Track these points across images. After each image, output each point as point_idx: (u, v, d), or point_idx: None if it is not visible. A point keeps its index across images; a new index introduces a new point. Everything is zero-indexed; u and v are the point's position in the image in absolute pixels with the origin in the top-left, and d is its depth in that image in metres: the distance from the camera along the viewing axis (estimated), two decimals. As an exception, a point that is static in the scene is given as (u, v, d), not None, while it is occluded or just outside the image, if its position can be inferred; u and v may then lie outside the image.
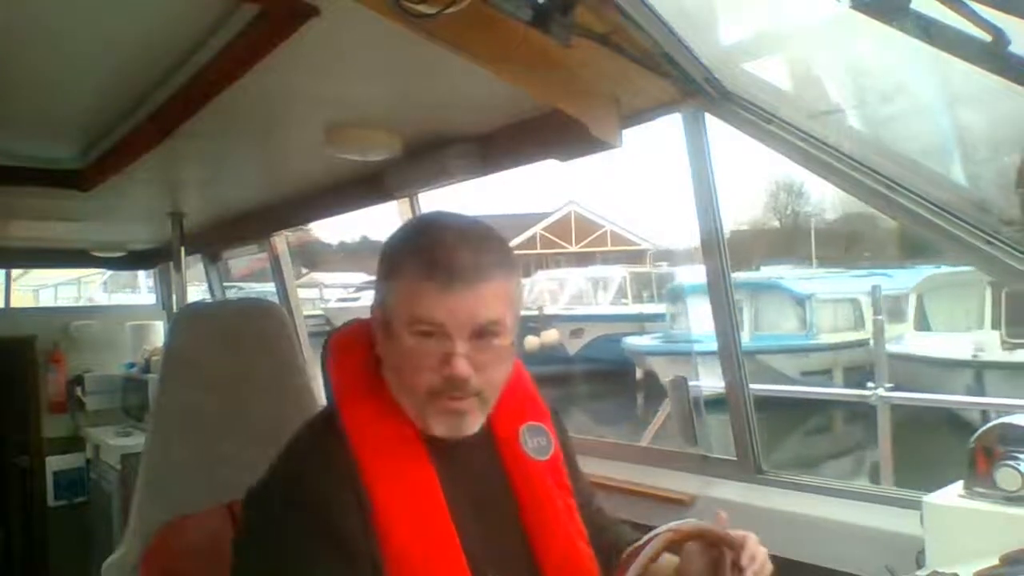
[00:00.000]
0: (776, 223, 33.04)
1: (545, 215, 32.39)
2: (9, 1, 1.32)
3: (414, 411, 1.06)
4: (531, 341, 17.44)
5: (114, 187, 2.53)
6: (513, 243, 3.24)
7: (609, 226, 32.57)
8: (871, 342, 12.82)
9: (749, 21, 1.64)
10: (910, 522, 1.47)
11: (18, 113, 1.99)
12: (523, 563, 1.10)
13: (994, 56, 1.08)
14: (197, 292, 4.92)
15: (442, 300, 1.00)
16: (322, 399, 1.19)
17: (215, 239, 4.00)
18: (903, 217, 1.56)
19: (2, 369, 4.31)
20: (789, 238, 29.64)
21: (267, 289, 4.67)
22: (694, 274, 13.62)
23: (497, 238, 1.09)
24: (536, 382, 1.27)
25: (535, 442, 1.18)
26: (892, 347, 9.13)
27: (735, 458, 2.04)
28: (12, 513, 4.35)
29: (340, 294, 23.53)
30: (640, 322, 18.33)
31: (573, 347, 19.06)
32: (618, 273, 22.20)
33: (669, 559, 1.08)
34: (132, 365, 4.32)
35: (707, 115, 1.80)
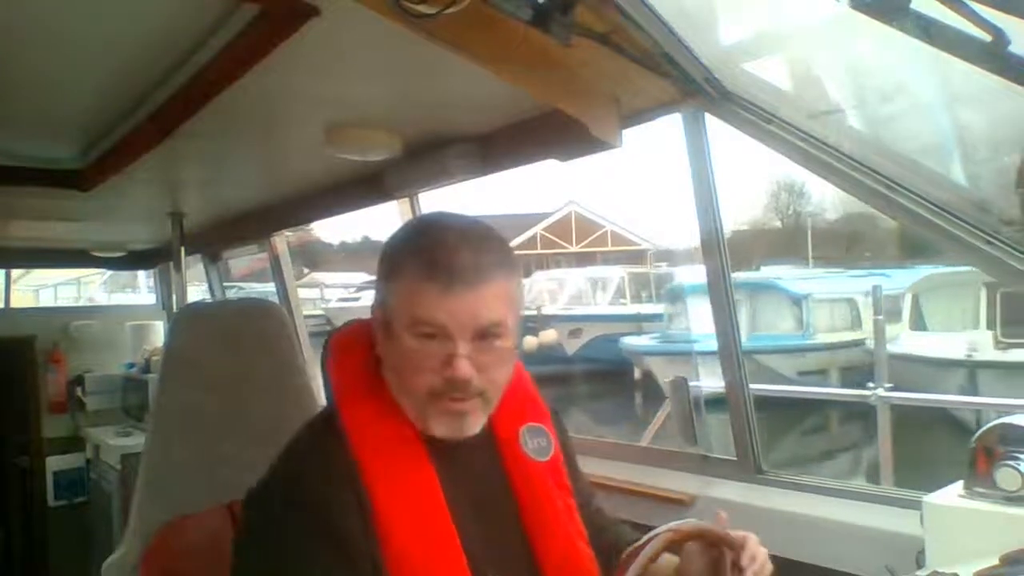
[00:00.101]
0: (778, 223, 33.07)
1: (545, 215, 32.40)
2: (9, 1, 1.32)
3: (414, 412, 1.06)
4: (529, 341, 17.43)
5: (114, 187, 2.53)
6: (513, 243, 3.24)
7: (609, 226, 32.56)
8: (867, 342, 12.89)
9: (749, 21, 1.64)
10: (910, 522, 1.47)
11: (18, 113, 1.99)
12: (523, 564, 1.10)
13: (994, 56, 1.08)
14: (197, 292, 4.92)
15: (443, 302, 1.00)
16: (322, 399, 1.19)
17: (215, 239, 4.00)
18: (903, 217, 1.56)
19: (2, 369, 4.31)
20: (791, 238, 29.66)
21: (267, 289, 4.67)
22: (693, 274, 13.64)
23: (498, 238, 1.09)
24: (534, 382, 1.27)
25: (535, 443, 1.18)
26: (888, 347, 9.14)
27: (735, 458, 2.04)
28: (12, 513, 4.35)
29: (341, 294, 23.55)
30: (638, 322, 18.36)
31: (571, 347, 19.07)
32: (617, 273, 22.22)
33: (669, 559, 1.08)
34: (132, 365, 4.32)
35: (707, 115, 1.80)
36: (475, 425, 1.07)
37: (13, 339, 4.29)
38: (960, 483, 1.34)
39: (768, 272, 18.16)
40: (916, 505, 1.39)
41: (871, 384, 4.22)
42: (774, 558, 1.06)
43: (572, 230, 31.97)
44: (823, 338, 14.81)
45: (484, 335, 1.02)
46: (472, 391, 1.03)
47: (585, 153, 1.92)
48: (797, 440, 11.90)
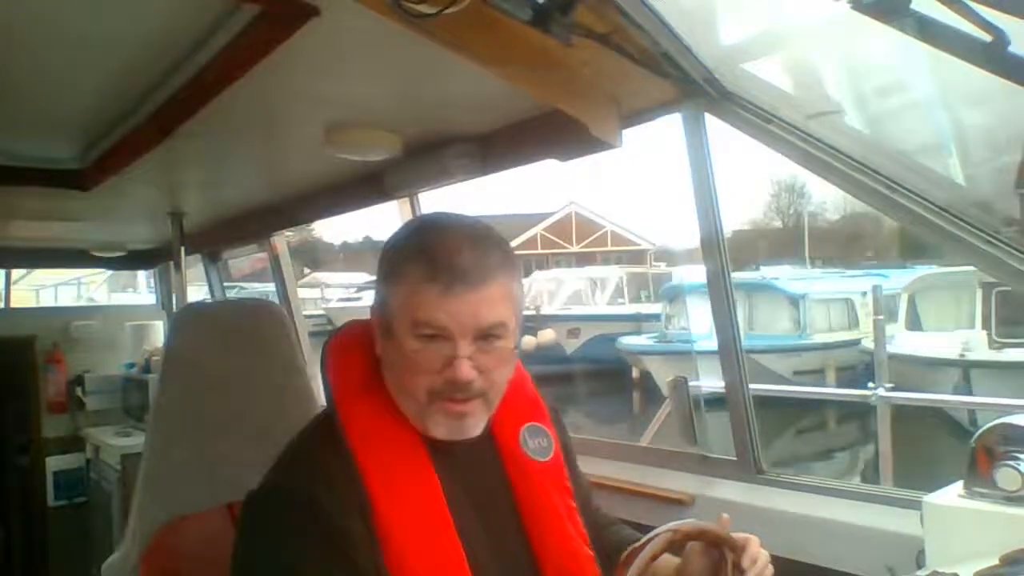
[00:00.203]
0: (778, 223, 33.08)
1: (545, 215, 32.41)
2: (9, 1, 1.32)
3: (414, 413, 1.05)
4: (528, 341, 17.43)
5: (114, 187, 2.53)
6: (514, 243, 3.24)
7: (610, 226, 32.59)
8: (863, 342, 12.90)
9: (749, 21, 1.64)
10: (910, 522, 1.47)
11: (18, 113, 1.99)
12: (524, 564, 1.10)
13: (994, 56, 1.08)
14: (197, 292, 4.92)
15: (444, 303, 1.00)
16: (322, 399, 1.19)
17: (215, 239, 4.00)
18: (903, 217, 1.56)
19: (2, 369, 4.30)
20: (791, 238, 29.67)
21: (268, 289, 4.66)
22: (692, 274, 13.63)
23: (498, 239, 1.09)
24: (533, 381, 1.27)
25: (535, 443, 1.18)
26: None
27: (735, 458, 2.04)
28: (12, 513, 4.35)
29: (342, 294, 23.59)
30: (636, 322, 18.39)
31: (570, 347, 19.08)
32: (615, 273, 22.24)
33: (669, 559, 1.08)
34: (132, 365, 4.33)
35: (707, 115, 1.80)
36: (476, 426, 1.07)
37: (13, 339, 4.28)
38: (960, 483, 1.34)
39: (767, 272, 18.15)
40: (916, 505, 1.39)
41: (871, 384, 4.22)
42: (774, 558, 1.06)
43: (572, 230, 31.99)
44: (819, 338, 14.81)
45: (485, 336, 1.02)
46: (473, 392, 1.03)
47: (585, 153, 1.92)
48: (793, 439, 11.91)
